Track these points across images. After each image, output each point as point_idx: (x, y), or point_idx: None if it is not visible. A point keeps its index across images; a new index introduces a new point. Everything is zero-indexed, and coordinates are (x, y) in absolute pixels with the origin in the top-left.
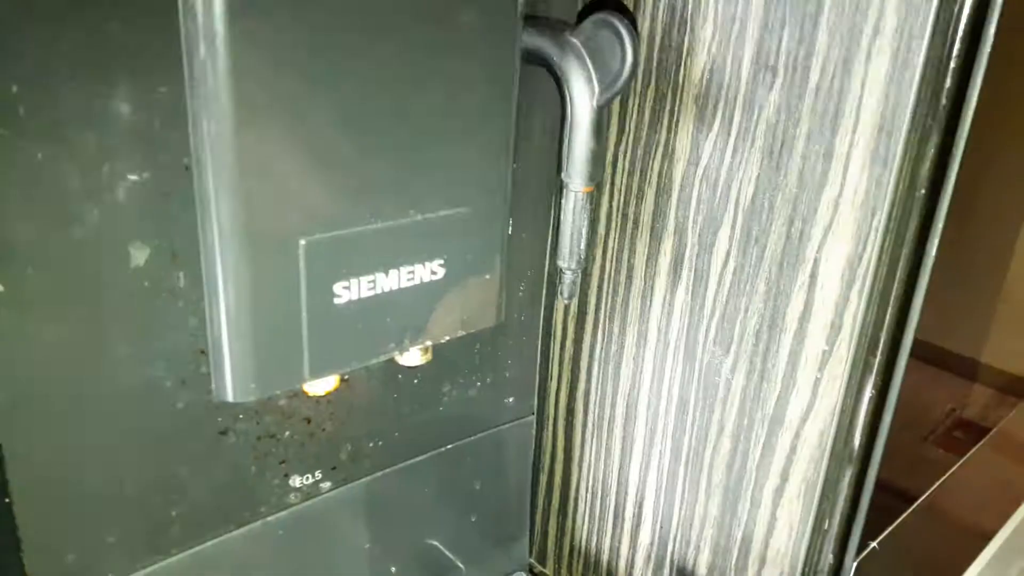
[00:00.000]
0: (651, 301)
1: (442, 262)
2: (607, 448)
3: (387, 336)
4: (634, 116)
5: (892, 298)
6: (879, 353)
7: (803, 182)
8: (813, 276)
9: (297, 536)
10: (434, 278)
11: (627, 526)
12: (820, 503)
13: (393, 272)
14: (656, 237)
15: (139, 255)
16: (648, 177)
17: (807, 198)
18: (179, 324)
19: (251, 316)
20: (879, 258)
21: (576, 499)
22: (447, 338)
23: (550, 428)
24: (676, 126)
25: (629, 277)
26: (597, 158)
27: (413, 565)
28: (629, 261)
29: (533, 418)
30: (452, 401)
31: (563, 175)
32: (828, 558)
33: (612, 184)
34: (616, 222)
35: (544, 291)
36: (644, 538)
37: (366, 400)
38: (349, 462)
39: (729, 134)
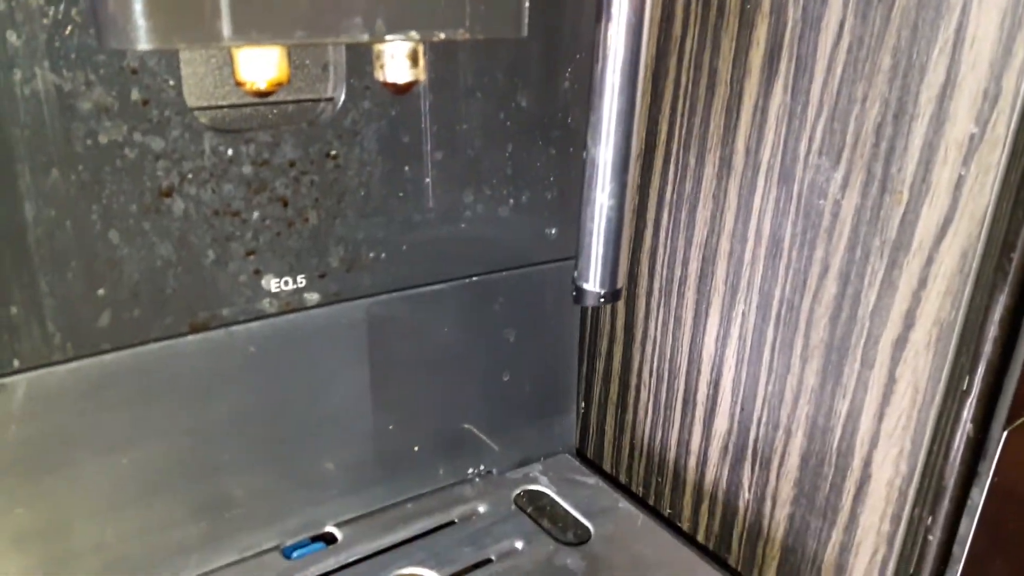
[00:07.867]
0: (738, 112)
1: None
2: (676, 317)
3: (350, 5)
4: None
5: None
6: None
7: None
8: (959, 32)
9: (271, 358)
10: None
11: (699, 412)
12: (958, 353)
13: None
14: (747, 23)
15: None
16: None
17: None
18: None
19: None
20: None
21: (638, 386)
22: (443, 35)
23: None
24: None
25: (711, 85)
26: None
27: (423, 426)
28: (711, 64)
29: None
30: (476, 217)
31: None
32: (966, 428)
33: None
34: (695, 13)
35: None
36: (720, 425)
37: (360, 188)
38: (342, 271)
39: None
